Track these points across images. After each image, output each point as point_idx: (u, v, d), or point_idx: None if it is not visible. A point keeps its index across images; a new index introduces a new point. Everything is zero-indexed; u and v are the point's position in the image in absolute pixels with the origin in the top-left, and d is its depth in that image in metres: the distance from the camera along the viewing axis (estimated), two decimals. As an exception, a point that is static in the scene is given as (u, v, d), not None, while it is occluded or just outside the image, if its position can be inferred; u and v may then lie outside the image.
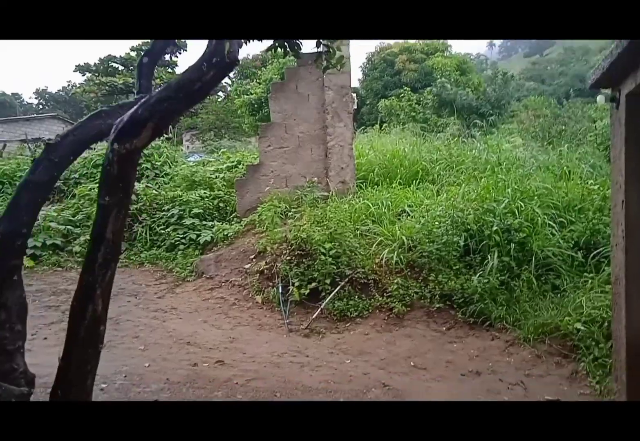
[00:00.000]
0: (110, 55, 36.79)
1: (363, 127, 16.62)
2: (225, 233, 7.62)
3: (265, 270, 6.52)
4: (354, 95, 8.52)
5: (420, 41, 29.40)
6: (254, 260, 6.95)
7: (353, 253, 6.19)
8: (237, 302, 6.32)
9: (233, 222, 8.05)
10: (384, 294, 5.85)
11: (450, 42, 29.58)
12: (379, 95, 26.93)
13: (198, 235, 7.86)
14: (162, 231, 8.19)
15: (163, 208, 8.53)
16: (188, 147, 23.93)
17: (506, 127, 15.93)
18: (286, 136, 8.11)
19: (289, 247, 6.42)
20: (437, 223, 6.39)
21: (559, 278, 5.81)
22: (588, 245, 6.16)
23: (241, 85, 23.44)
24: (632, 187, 3.83)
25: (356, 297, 5.89)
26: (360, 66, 30.98)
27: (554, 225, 6.23)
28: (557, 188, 7.02)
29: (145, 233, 8.35)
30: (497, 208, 6.29)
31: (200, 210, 8.28)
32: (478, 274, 5.70)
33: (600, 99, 4.13)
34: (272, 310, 6.07)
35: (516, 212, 6.30)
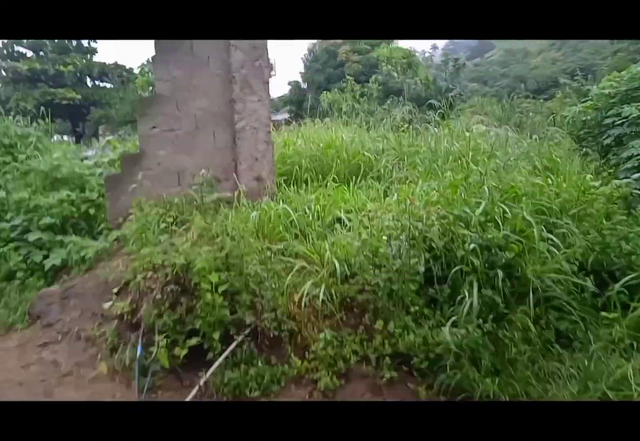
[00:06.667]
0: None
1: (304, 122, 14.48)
2: (83, 255, 5.23)
3: (126, 315, 4.22)
4: (272, 59, 6.33)
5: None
6: (117, 296, 4.64)
7: (259, 288, 4.01)
8: (76, 369, 3.98)
9: (102, 237, 5.66)
10: (305, 355, 3.70)
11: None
12: (321, 88, 24.94)
13: (46, 256, 5.44)
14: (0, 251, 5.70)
15: (5, 217, 6.03)
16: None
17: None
18: (178, 115, 5.80)
19: (164, 279, 4.15)
20: (385, 238, 4.30)
21: (564, 320, 3.93)
22: (598, 267, 4.33)
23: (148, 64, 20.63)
24: None
25: (261, 360, 3.70)
26: (302, 57, 28.92)
27: (553, 238, 4.30)
28: (544, 187, 5.12)
29: (-20, 255, 5.82)
30: (473, 214, 4.28)
31: (56, 220, 5.82)
32: (451, 320, 3.66)
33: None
34: (128, 385, 3.78)
35: (498, 220, 4.33)
